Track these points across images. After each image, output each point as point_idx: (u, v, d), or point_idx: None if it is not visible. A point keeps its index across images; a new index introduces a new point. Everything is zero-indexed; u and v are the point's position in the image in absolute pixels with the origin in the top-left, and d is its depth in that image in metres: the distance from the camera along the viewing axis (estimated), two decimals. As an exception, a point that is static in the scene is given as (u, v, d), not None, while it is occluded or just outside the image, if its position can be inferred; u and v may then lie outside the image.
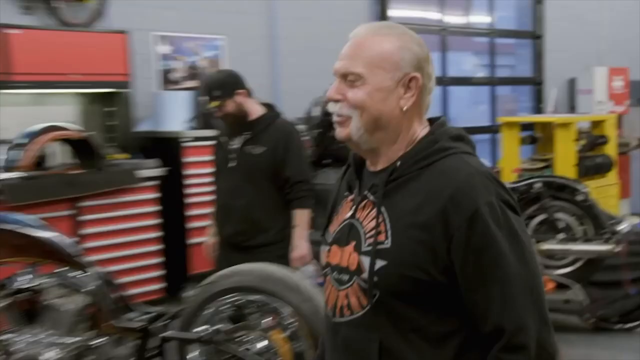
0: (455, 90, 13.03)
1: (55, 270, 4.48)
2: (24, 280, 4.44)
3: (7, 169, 6.50)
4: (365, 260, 1.97)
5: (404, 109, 2.02)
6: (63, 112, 7.97)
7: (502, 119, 10.50)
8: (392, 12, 11.70)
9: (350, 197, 2.16)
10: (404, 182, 1.99)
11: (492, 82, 13.64)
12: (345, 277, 2.05)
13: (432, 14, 12.66)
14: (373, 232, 1.98)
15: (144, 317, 4.42)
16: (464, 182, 1.91)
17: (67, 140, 7.31)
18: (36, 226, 4.55)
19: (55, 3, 7.94)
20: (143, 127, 8.45)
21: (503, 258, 1.88)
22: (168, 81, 8.88)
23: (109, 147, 7.97)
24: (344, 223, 2.12)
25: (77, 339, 4.32)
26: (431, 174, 1.97)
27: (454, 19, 12.94)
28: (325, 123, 6.89)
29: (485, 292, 1.89)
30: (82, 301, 4.37)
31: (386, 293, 1.94)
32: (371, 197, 2.05)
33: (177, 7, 8.85)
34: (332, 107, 2.08)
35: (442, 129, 2.10)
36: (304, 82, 8.97)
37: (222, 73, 5.80)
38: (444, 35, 12.51)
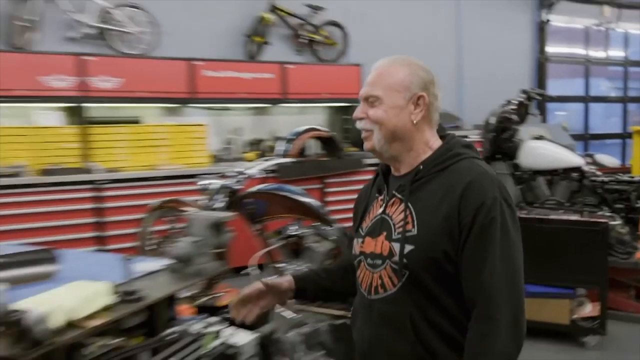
0: (594, 107, 12.81)
1: (312, 224, 4.73)
2: (293, 230, 4.70)
3: (282, 156, 6.83)
4: (396, 246, 1.82)
5: (414, 122, 1.86)
6: (317, 118, 8.24)
7: (634, 128, 9.85)
8: (548, 49, 11.44)
9: (380, 197, 1.97)
10: (426, 182, 1.84)
11: (623, 100, 13.26)
12: (379, 261, 1.87)
13: (579, 50, 12.37)
14: (402, 222, 1.83)
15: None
16: (475, 179, 1.77)
17: (319, 138, 7.59)
18: (301, 194, 4.81)
19: (316, 47, 8.29)
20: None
21: (494, 244, 1.72)
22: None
23: (345, 142, 8.11)
24: (376, 218, 1.94)
25: (325, 270, 4.59)
26: (448, 175, 1.82)
27: (596, 53, 12.57)
28: (498, 129, 6.74)
29: (475, 269, 1.73)
30: (329, 246, 4.58)
31: (414, 272, 1.78)
32: (399, 195, 1.88)
33: (391, 48, 8.92)
34: (358, 124, 1.94)
35: (454, 139, 1.94)
36: (483, 99, 8.81)
37: None
38: (587, 66, 12.34)
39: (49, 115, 6.40)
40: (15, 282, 2.74)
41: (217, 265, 3.44)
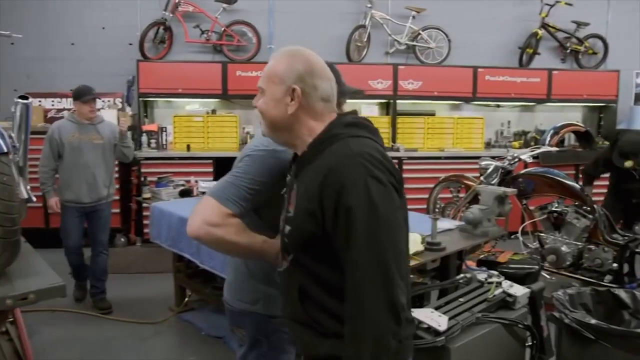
0: None
1: (573, 203, 4.37)
2: (555, 206, 4.41)
3: (543, 145, 6.41)
4: (282, 225, 1.52)
5: (289, 113, 1.46)
6: (574, 115, 7.50)
7: None
8: None
9: (289, 174, 1.60)
10: (307, 165, 1.44)
11: None
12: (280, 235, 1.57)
13: None
14: (287, 203, 1.51)
15: (623, 237, 4.11)
16: (338, 162, 1.34)
17: (575, 132, 6.96)
18: (564, 177, 4.44)
19: (579, 56, 7.49)
20: (620, 126, 7.62)
21: (358, 229, 1.29)
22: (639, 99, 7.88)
23: (598, 137, 7.35)
24: (284, 194, 1.60)
25: (580, 243, 4.19)
26: (322, 157, 1.39)
27: None
28: None
29: (344, 256, 1.32)
30: (586, 222, 4.21)
31: (294, 251, 1.46)
32: (292, 175, 1.52)
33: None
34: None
35: (338, 120, 1.48)
36: None
37: None
38: None
39: (370, 108, 6.74)
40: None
41: (498, 230, 3.35)
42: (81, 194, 4.22)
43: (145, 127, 6.33)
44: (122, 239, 5.89)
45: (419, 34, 6.85)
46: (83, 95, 4.15)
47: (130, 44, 6.53)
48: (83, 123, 4.22)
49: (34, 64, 6.49)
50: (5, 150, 2.06)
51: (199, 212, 1.70)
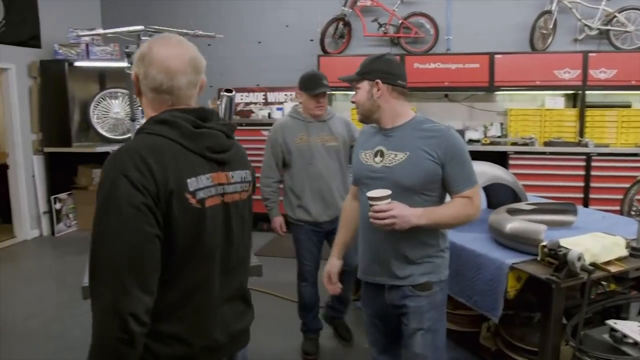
0: None
1: None
2: None
3: None
4: None
5: (135, 94, 1.45)
6: None
7: None
8: None
9: None
10: None
11: None
12: None
13: None
14: None
15: None
16: (111, 155, 1.29)
17: None
18: None
19: None
20: None
21: (95, 223, 1.24)
22: None
23: None
24: None
25: None
26: None
27: None
28: None
29: None
30: None
31: None
32: None
33: None
34: None
35: (161, 114, 1.37)
36: None
37: None
38: None
39: (555, 100, 6.30)
40: (547, 224, 2.69)
41: None
42: (316, 213, 3.34)
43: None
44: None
45: (615, 16, 6.17)
46: (311, 85, 3.21)
47: (311, 40, 6.87)
48: (311, 120, 3.31)
49: (225, 62, 7.15)
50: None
51: None
